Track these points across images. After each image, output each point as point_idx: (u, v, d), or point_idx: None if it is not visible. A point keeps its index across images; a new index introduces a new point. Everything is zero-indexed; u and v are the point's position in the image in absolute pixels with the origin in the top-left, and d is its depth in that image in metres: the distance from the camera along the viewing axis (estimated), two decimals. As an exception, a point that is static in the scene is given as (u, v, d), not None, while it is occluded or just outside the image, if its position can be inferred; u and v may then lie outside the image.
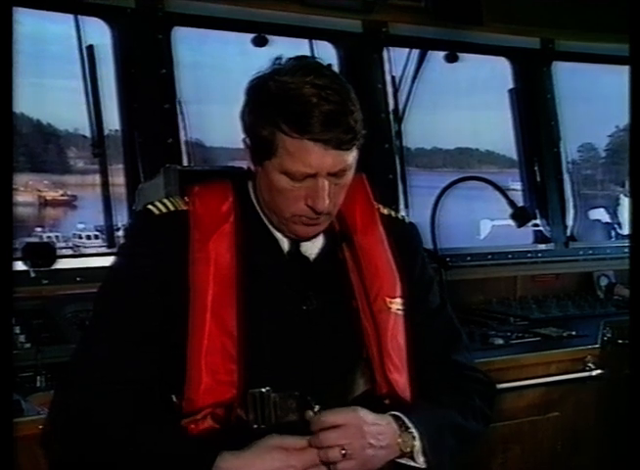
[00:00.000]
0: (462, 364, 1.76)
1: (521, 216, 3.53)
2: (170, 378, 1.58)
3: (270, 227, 1.66)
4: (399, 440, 1.56)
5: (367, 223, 1.72)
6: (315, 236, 1.67)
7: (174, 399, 1.60)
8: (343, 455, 1.47)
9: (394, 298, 1.68)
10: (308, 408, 1.55)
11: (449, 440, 1.63)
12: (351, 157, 1.56)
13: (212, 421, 1.57)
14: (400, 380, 1.65)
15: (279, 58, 1.57)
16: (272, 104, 1.51)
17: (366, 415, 1.53)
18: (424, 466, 1.57)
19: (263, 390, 1.58)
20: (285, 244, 1.67)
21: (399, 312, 1.68)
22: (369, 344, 1.66)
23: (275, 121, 1.50)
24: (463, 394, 1.71)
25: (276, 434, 1.51)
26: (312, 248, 1.69)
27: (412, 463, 1.58)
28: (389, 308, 1.66)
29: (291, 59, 1.57)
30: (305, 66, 1.55)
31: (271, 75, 1.54)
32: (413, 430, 1.56)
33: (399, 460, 1.58)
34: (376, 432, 1.52)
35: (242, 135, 1.61)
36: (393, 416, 1.58)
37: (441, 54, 3.80)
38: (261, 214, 1.66)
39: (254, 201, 1.67)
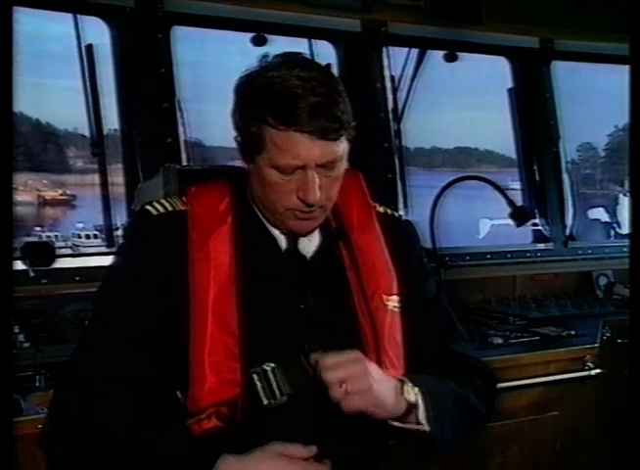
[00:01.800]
0: (462, 354, 1.77)
1: (520, 216, 3.53)
2: (173, 378, 1.58)
3: (267, 225, 1.67)
4: (403, 392, 1.56)
5: (364, 221, 1.73)
6: (311, 232, 1.68)
7: (180, 396, 1.59)
8: (345, 392, 1.47)
9: (391, 295, 1.68)
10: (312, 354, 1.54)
11: (450, 406, 1.63)
12: (340, 148, 1.56)
13: (217, 420, 1.57)
14: (397, 377, 1.64)
15: (266, 55, 1.59)
16: (259, 99, 1.53)
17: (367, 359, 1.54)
18: (427, 428, 1.57)
19: (267, 367, 1.57)
20: (282, 242, 1.67)
21: (396, 310, 1.68)
22: (366, 341, 1.66)
23: (262, 116, 1.52)
24: (461, 373, 1.72)
25: (279, 441, 1.50)
26: (309, 245, 1.69)
27: (416, 427, 1.57)
28: (386, 306, 1.67)
29: (277, 55, 1.58)
30: (291, 60, 1.57)
31: (258, 72, 1.56)
32: (415, 388, 1.57)
33: (404, 426, 1.57)
34: (377, 374, 1.53)
35: (233, 134, 1.62)
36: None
37: (441, 53, 3.81)
38: (258, 213, 1.67)
39: (251, 199, 1.67)
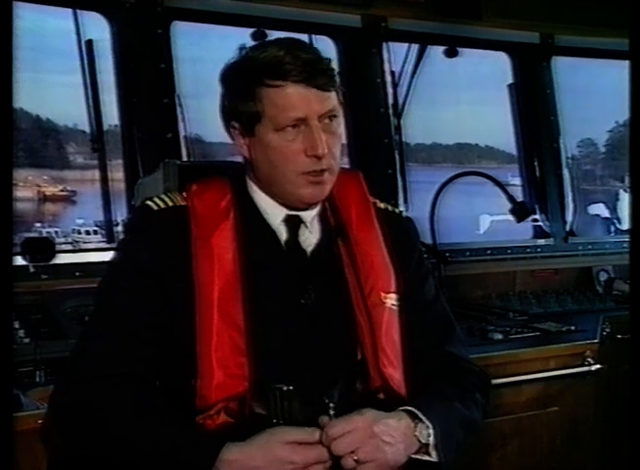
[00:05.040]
0: (458, 357, 1.77)
1: (520, 211, 3.54)
2: (177, 373, 1.58)
3: (269, 218, 1.67)
4: (416, 432, 1.55)
5: (363, 218, 1.73)
6: (319, 201, 1.67)
7: (186, 390, 1.59)
8: (356, 461, 1.47)
9: (389, 293, 1.68)
10: (324, 411, 1.54)
11: (457, 431, 1.63)
12: (335, 101, 1.60)
13: (227, 416, 1.57)
14: (395, 375, 1.65)
15: (243, 47, 1.64)
16: (249, 69, 1.58)
17: (375, 415, 1.53)
18: (436, 459, 1.57)
19: (285, 388, 1.59)
20: (283, 234, 1.67)
21: (394, 308, 1.68)
22: (363, 338, 1.66)
23: (256, 79, 1.57)
24: (463, 386, 1.72)
25: (283, 427, 1.51)
26: (310, 237, 1.69)
27: (426, 457, 1.57)
28: (384, 303, 1.67)
29: (255, 43, 1.66)
30: (271, 40, 1.64)
31: (240, 57, 1.62)
32: (426, 421, 1.56)
33: (413, 456, 1.57)
34: (388, 429, 1.51)
35: (226, 128, 1.66)
36: (405, 411, 1.58)
37: (441, 49, 3.80)
38: (259, 206, 1.67)
39: (253, 192, 1.68)
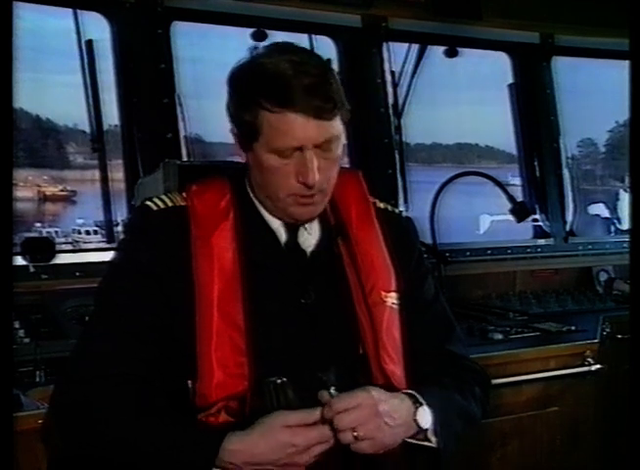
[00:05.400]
0: (458, 355, 1.78)
1: (520, 211, 3.54)
2: (177, 372, 1.58)
3: (268, 219, 1.67)
4: (416, 416, 1.56)
5: (362, 218, 1.73)
6: (311, 223, 1.68)
7: (186, 389, 1.59)
8: (356, 438, 1.47)
9: (390, 292, 1.69)
10: (325, 390, 1.54)
11: (456, 421, 1.64)
12: (335, 128, 1.57)
13: (227, 415, 1.57)
14: (396, 371, 1.65)
15: (256, 47, 1.61)
16: (252, 85, 1.55)
17: (379, 394, 1.53)
18: (435, 445, 1.58)
19: (278, 380, 1.58)
20: (282, 235, 1.67)
21: (394, 306, 1.69)
22: (365, 337, 1.66)
23: (257, 100, 1.53)
24: (462, 380, 1.72)
25: (283, 411, 1.51)
26: (309, 239, 1.69)
27: (426, 443, 1.58)
28: (385, 302, 1.67)
29: (267, 45, 1.61)
30: (281, 47, 1.60)
31: (249, 61, 1.59)
32: (426, 406, 1.57)
33: (411, 440, 1.58)
34: (391, 410, 1.52)
35: (229, 127, 1.64)
36: (406, 394, 1.59)
37: (441, 49, 3.81)
38: (259, 207, 1.67)
39: (251, 191, 1.68)
